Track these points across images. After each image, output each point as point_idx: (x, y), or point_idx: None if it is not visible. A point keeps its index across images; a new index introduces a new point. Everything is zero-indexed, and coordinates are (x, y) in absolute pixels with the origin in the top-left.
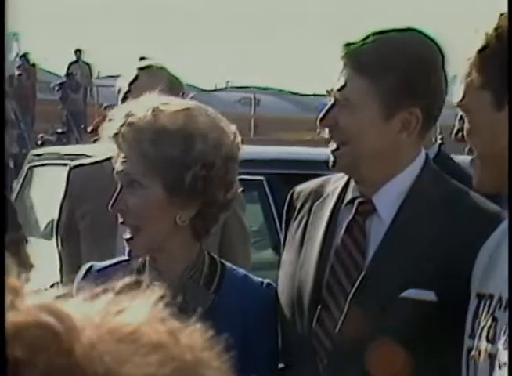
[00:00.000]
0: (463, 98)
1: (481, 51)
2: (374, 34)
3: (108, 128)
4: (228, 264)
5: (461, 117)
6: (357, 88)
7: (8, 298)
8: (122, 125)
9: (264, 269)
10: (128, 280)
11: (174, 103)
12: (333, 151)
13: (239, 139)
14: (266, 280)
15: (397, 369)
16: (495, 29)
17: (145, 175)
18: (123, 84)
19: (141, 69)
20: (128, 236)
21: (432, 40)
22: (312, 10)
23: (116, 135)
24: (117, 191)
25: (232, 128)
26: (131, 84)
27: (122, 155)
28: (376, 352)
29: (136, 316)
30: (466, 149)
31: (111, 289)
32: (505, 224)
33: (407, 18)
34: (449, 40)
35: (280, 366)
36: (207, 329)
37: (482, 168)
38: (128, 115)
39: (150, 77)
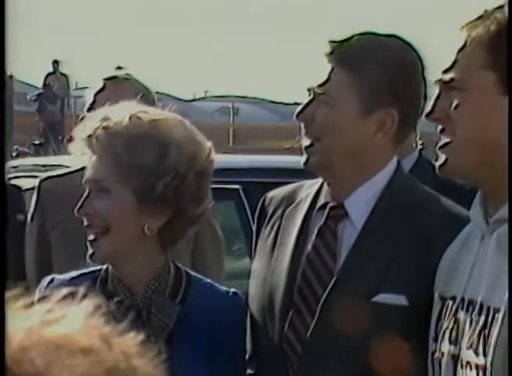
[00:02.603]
0: (460, 75)
1: (494, 31)
2: (359, 34)
3: (82, 131)
4: (193, 273)
5: (438, 96)
6: (339, 82)
7: None
8: (97, 128)
9: (241, 277)
10: (64, 290)
11: (152, 112)
12: (306, 148)
13: (213, 154)
14: (232, 290)
15: (368, 373)
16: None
17: (115, 180)
18: (90, 95)
19: (107, 80)
20: (91, 237)
21: (414, 48)
22: (294, 15)
23: (90, 136)
24: (85, 196)
25: (208, 143)
26: (96, 94)
27: (93, 159)
28: (346, 357)
29: (71, 323)
30: (439, 129)
31: (48, 299)
32: (467, 228)
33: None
34: (429, 43)
35: (251, 372)
36: (139, 335)
37: (456, 152)
38: (104, 119)
39: (116, 87)
